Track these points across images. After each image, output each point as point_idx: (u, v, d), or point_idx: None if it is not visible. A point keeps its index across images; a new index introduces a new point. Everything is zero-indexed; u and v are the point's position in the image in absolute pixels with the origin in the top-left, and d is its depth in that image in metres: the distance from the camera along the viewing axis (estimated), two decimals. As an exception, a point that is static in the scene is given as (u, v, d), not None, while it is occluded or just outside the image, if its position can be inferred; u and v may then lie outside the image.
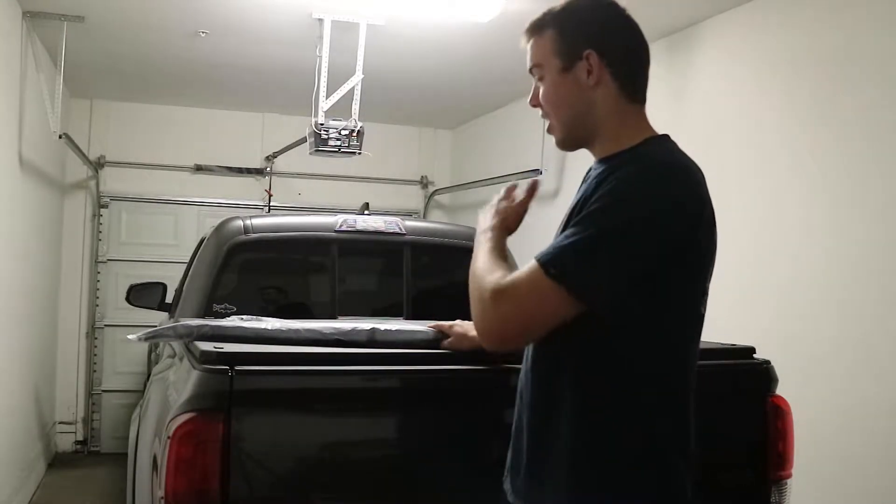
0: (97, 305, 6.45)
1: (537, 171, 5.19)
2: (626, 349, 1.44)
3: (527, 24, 1.61)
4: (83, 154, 5.88)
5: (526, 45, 1.61)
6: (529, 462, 1.53)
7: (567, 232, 1.42)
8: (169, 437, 1.71)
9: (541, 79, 1.59)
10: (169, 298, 4.39)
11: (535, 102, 1.61)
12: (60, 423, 6.35)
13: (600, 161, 1.56)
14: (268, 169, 6.81)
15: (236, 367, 1.73)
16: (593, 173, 1.54)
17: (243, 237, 3.28)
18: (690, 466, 1.49)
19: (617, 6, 1.59)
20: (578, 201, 1.50)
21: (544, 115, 1.61)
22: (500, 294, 1.43)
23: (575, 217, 1.45)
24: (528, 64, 1.61)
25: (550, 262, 1.39)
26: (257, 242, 3.31)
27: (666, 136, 1.60)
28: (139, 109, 6.54)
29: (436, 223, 4.51)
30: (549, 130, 1.62)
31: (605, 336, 1.44)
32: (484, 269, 1.52)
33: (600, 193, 1.42)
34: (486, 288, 1.47)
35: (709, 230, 1.50)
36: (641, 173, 1.44)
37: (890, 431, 2.97)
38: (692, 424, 1.51)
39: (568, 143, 1.60)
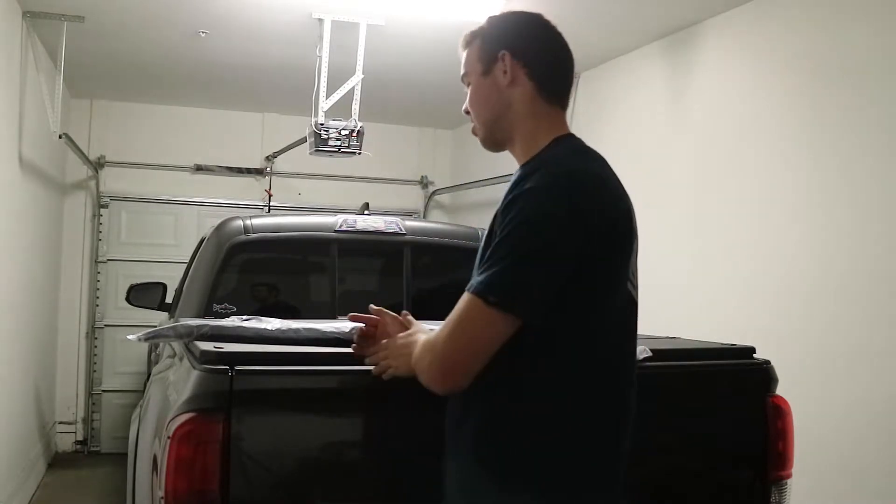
0: (97, 305, 6.45)
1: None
2: (561, 356, 1.52)
3: (464, 38, 1.74)
4: (83, 154, 5.88)
5: (461, 57, 1.73)
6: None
7: (491, 259, 1.48)
8: (169, 437, 1.70)
9: (468, 85, 1.71)
10: (169, 298, 4.39)
11: (466, 109, 1.72)
12: (60, 423, 6.35)
13: (520, 167, 1.64)
14: (268, 169, 6.81)
15: (236, 367, 1.73)
16: (513, 179, 1.63)
17: (243, 237, 3.28)
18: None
19: (540, 17, 1.70)
20: (499, 211, 1.55)
21: (472, 120, 1.73)
22: (445, 338, 1.50)
23: (498, 231, 1.50)
24: (461, 73, 1.73)
25: (488, 292, 1.45)
26: (257, 242, 3.31)
27: (570, 135, 1.66)
28: (139, 109, 6.54)
29: (436, 223, 4.51)
30: (473, 132, 1.74)
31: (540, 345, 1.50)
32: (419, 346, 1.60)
33: (512, 215, 1.48)
34: (427, 346, 1.56)
35: (612, 229, 1.53)
36: (544, 189, 1.49)
37: (886, 429, 2.98)
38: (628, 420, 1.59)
39: (489, 143, 1.72)
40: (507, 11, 1.75)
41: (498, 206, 1.58)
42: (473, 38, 1.71)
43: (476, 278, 1.49)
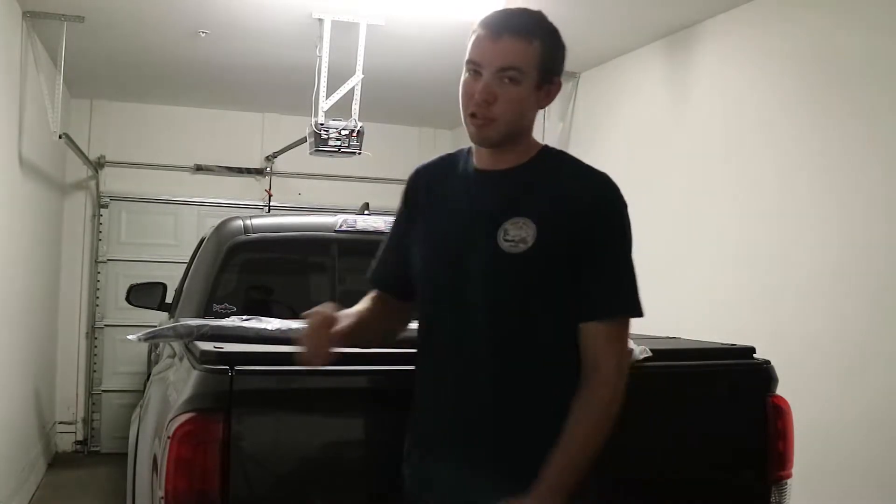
0: (97, 305, 6.45)
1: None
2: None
3: (513, 23, 1.61)
4: (83, 154, 5.88)
5: (508, 43, 1.59)
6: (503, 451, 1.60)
7: (613, 273, 1.61)
8: (169, 437, 1.71)
9: (511, 81, 1.58)
10: (169, 298, 4.39)
11: (492, 99, 1.59)
12: (60, 423, 6.35)
13: (524, 164, 1.68)
14: (268, 169, 6.81)
15: (236, 367, 1.74)
16: (518, 178, 1.67)
17: (243, 237, 3.28)
18: None
19: None
20: (552, 202, 1.61)
21: (485, 113, 1.60)
22: (618, 370, 1.59)
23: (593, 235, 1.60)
24: (504, 62, 1.58)
25: (638, 309, 1.62)
26: (257, 242, 3.31)
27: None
28: (139, 109, 6.54)
29: (436, 223, 4.49)
30: (483, 126, 1.61)
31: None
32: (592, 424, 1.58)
33: (613, 224, 1.62)
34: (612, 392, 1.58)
35: None
36: (622, 200, 1.65)
37: (887, 428, 2.98)
38: None
39: (497, 143, 1.67)
40: (545, 17, 1.66)
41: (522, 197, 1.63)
42: (532, 35, 1.60)
43: (611, 299, 1.60)
